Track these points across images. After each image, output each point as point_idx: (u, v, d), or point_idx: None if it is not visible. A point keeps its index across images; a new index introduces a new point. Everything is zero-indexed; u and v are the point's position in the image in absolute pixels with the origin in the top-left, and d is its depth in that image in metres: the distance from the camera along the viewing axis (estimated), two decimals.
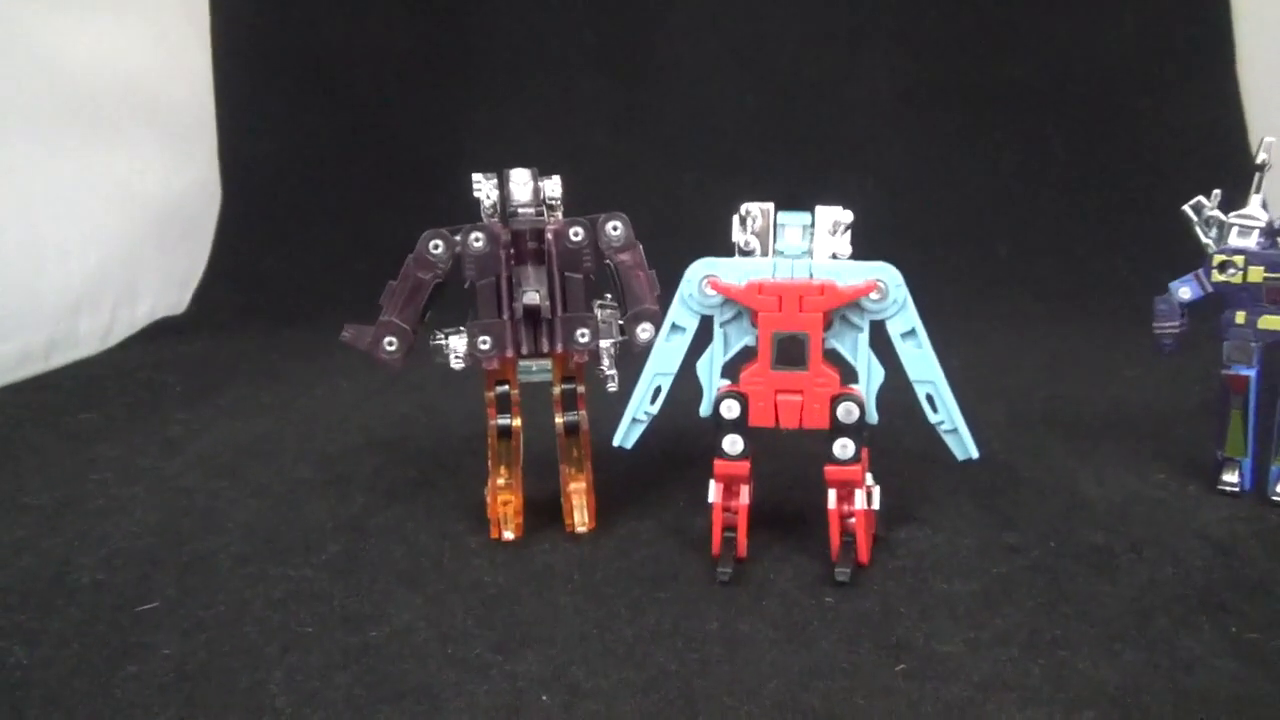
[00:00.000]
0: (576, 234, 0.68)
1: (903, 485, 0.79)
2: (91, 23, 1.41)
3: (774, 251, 0.66)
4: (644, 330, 0.70)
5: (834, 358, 0.67)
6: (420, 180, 1.60)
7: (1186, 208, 0.76)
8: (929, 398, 0.67)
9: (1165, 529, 0.72)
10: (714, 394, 0.67)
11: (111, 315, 1.42)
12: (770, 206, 0.66)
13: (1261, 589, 0.64)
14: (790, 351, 0.65)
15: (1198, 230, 0.76)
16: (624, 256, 0.69)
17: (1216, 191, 0.75)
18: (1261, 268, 0.73)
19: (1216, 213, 0.75)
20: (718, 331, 0.68)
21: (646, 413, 0.70)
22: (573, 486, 0.73)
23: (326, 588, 0.67)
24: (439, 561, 0.70)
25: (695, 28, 1.74)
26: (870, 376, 0.67)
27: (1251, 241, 0.74)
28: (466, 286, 0.69)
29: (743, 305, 0.66)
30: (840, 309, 0.66)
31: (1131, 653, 0.57)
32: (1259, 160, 0.74)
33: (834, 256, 0.66)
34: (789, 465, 0.79)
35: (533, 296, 0.67)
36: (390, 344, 0.70)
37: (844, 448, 0.65)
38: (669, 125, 1.72)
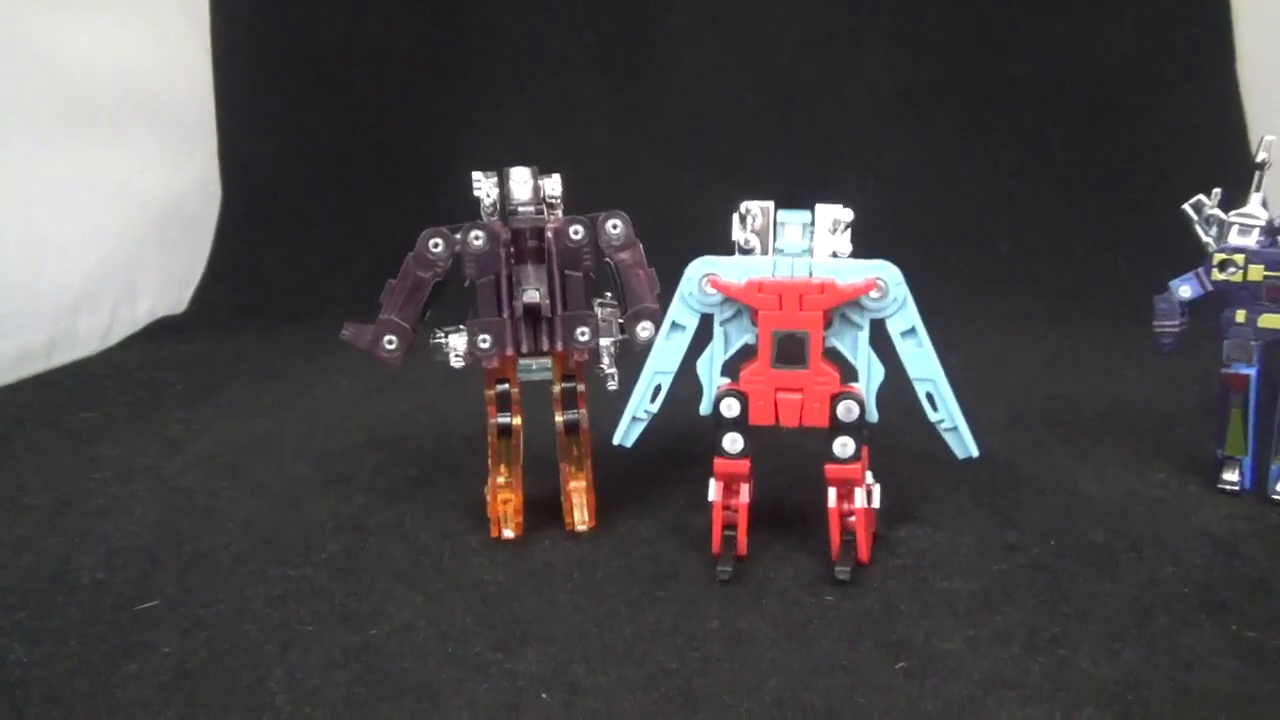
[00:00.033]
0: (576, 232, 0.68)
1: (903, 484, 0.79)
2: (91, 23, 1.41)
3: (774, 250, 0.66)
4: (644, 329, 0.70)
5: (834, 356, 0.67)
6: (420, 180, 1.60)
7: (1186, 206, 0.76)
8: (929, 396, 0.67)
9: (1165, 527, 0.72)
10: (714, 392, 0.67)
11: (111, 314, 1.42)
12: (770, 205, 0.66)
13: (1262, 587, 0.64)
14: (790, 350, 0.65)
15: (1198, 229, 0.76)
16: (624, 255, 0.69)
17: (1217, 190, 0.75)
18: (1261, 266, 0.73)
19: (1216, 211, 0.75)
20: (718, 330, 0.68)
21: (646, 411, 0.70)
22: (573, 485, 0.73)
23: (326, 586, 0.67)
24: (439, 560, 0.70)
25: (695, 27, 1.74)
26: (870, 375, 0.67)
27: (1251, 240, 0.74)
28: (466, 285, 0.69)
29: (743, 303, 0.66)
30: (840, 307, 0.66)
31: (1131, 651, 0.57)
32: (1259, 159, 0.74)
33: (834, 255, 0.66)
34: (789, 464, 0.78)
35: (533, 295, 0.67)
36: (390, 342, 0.70)
37: (844, 446, 0.65)
38: (669, 125, 1.72)
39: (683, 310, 0.68)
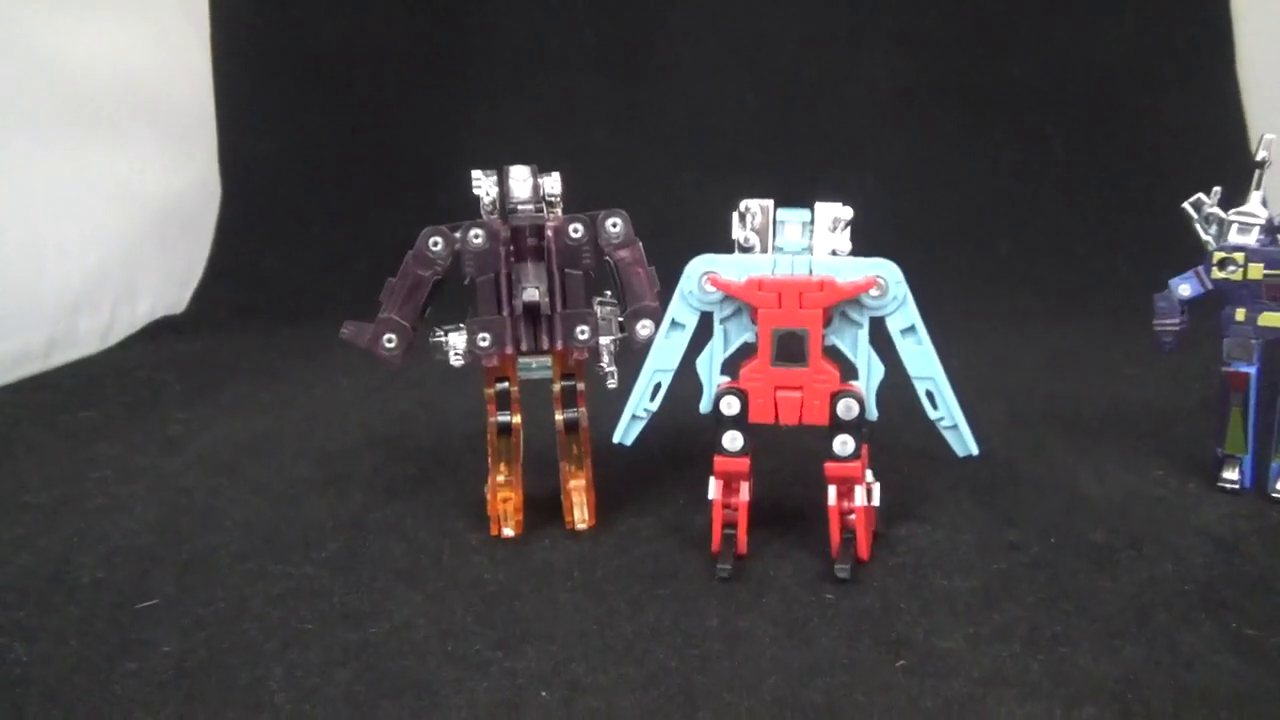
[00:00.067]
0: (576, 230, 0.68)
1: (903, 482, 0.79)
2: (91, 23, 1.41)
3: (774, 248, 0.66)
4: (644, 327, 0.70)
5: (834, 354, 0.67)
6: (420, 180, 1.60)
7: (1186, 205, 0.76)
8: (929, 394, 0.67)
9: (1165, 526, 0.72)
10: (714, 391, 0.67)
11: (111, 314, 1.42)
12: (770, 203, 0.66)
13: (1262, 585, 0.64)
14: (790, 348, 0.65)
15: (1197, 227, 0.76)
16: (623, 253, 0.69)
17: (1216, 189, 0.75)
18: (1261, 265, 0.73)
19: (1216, 210, 0.75)
20: (717, 328, 0.68)
21: (646, 409, 0.70)
22: (572, 484, 0.73)
23: (326, 585, 0.67)
24: (439, 559, 0.70)
25: (695, 27, 1.74)
26: (870, 373, 0.67)
27: (1251, 238, 0.74)
28: (466, 283, 0.69)
29: (742, 302, 0.66)
30: (840, 305, 0.66)
31: (1132, 649, 0.57)
32: (1259, 157, 0.74)
33: (834, 253, 0.66)
34: (789, 462, 0.78)
35: (532, 293, 0.67)
36: (390, 341, 0.70)
37: (844, 444, 0.65)
38: (669, 125, 1.72)
39: (682, 308, 0.68)
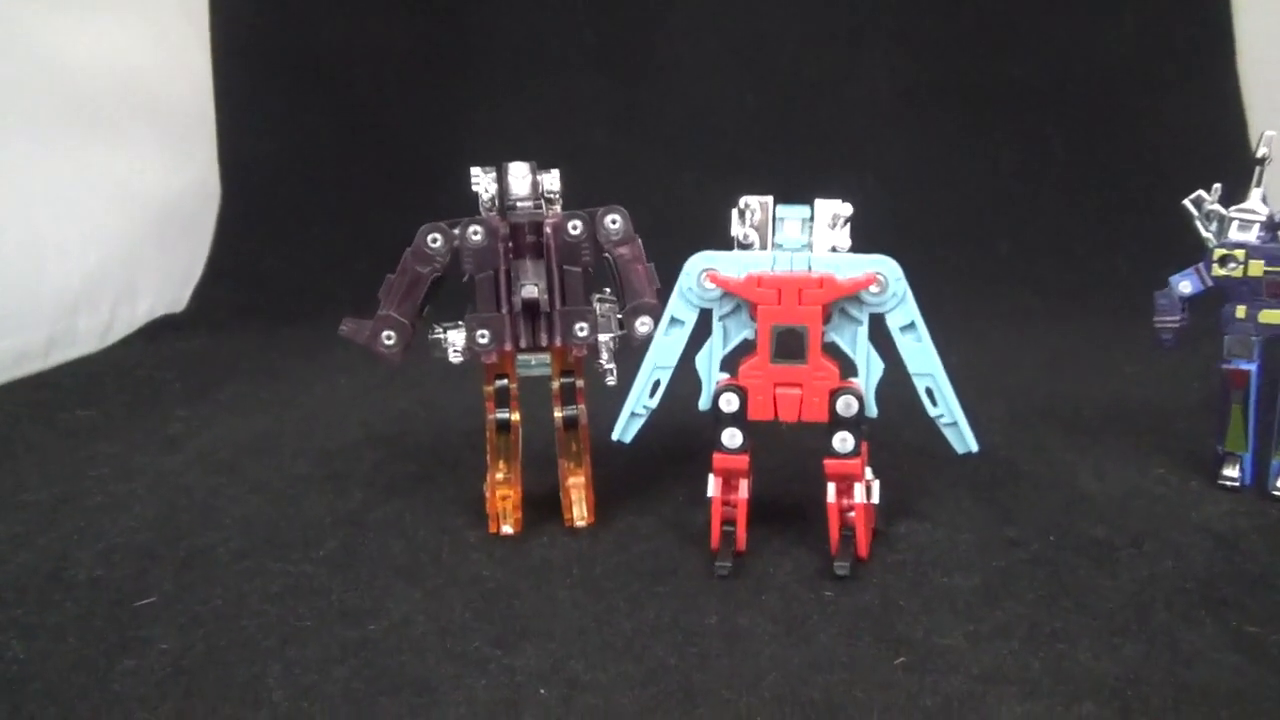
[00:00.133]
0: (575, 227, 0.68)
1: (902, 479, 0.79)
2: (91, 23, 1.41)
3: (773, 245, 0.66)
4: (643, 324, 0.70)
5: (833, 351, 0.67)
6: (420, 179, 1.60)
7: (1187, 202, 0.76)
8: (928, 391, 0.67)
9: (1166, 523, 0.72)
10: (713, 388, 0.67)
11: (111, 313, 1.42)
12: (769, 200, 0.66)
13: (1262, 583, 0.64)
14: (789, 345, 0.65)
15: (1198, 224, 0.76)
16: (623, 250, 0.69)
17: (1217, 186, 0.75)
18: (1262, 262, 0.73)
19: (1217, 207, 0.75)
20: (717, 325, 0.68)
21: (645, 407, 0.70)
22: (571, 481, 0.73)
23: (325, 582, 0.67)
24: (438, 556, 0.70)
25: (695, 27, 1.74)
26: (869, 370, 0.67)
27: (1252, 236, 0.74)
28: (465, 280, 0.69)
29: (742, 298, 0.66)
30: (839, 302, 0.66)
31: (1132, 646, 0.57)
32: (1259, 154, 0.74)
33: (833, 250, 0.66)
34: (788, 459, 0.78)
35: (531, 290, 0.67)
36: (389, 338, 0.70)
37: (843, 441, 0.65)
38: (669, 124, 1.72)
39: (682, 305, 0.68)
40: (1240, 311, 0.74)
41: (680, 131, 1.71)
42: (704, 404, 0.68)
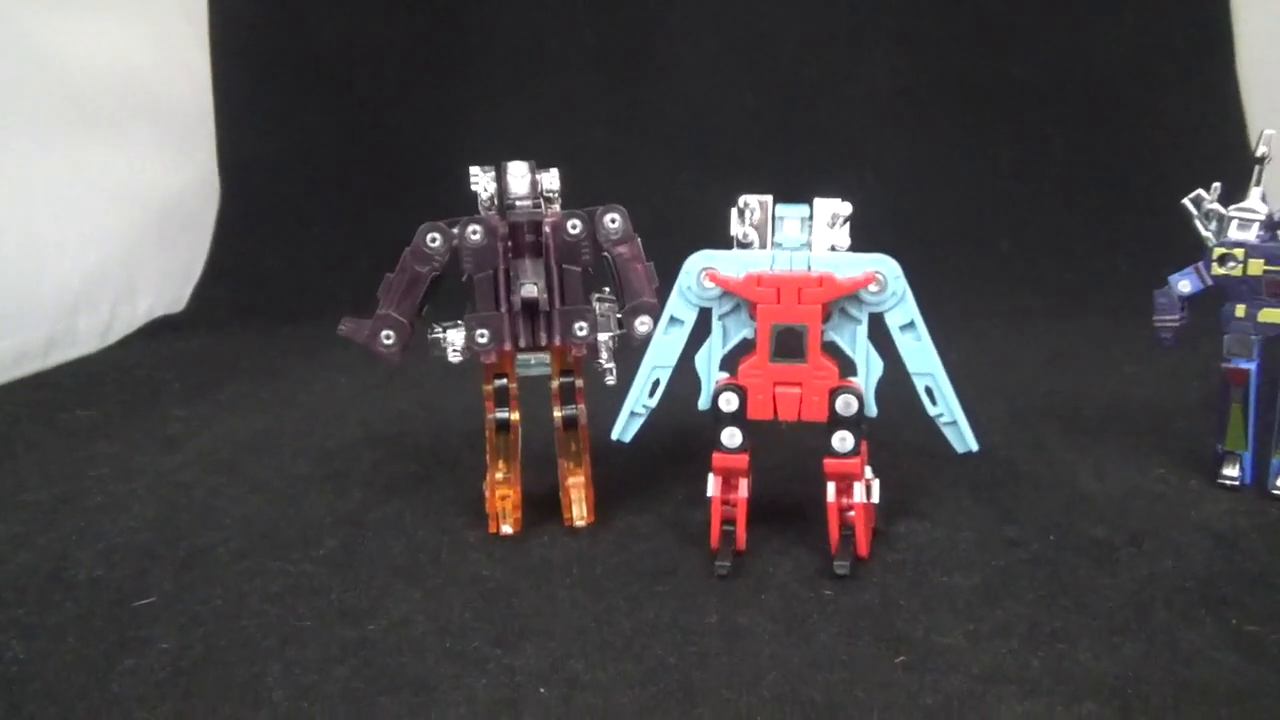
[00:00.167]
0: (574, 226, 0.68)
1: (902, 478, 0.79)
2: (91, 22, 1.41)
3: (772, 244, 0.66)
4: (642, 323, 0.70)
5: (833, 350, 0.67)
6: (420, 179, 1.60)
7: (1186, 201, 0.76)
8: (928, 390, 0.67)
9: (1165, 522, 0.72)
10: (712, 387, 0.67)
11: (111, 313, 1.42)
12: (769, 199, 0.66)
13: (1262, 582, 0.64)
14: (789, 344, 0.65)
15: (1197, 223, 0.76)
16: (622, 249, 0.69)
17: (1216, 185, 0.75)
18: (1261, 261, 0.73)
19: (1216, 206, 0.75)
20: (716, 324, 0.68)
21: (645, 406, 0.69)
22: (571, 480, 0.73)
23: (325, 582, 0.66)
24: (437, 556, 0.70)
25: (695, 27, 1.74)
26: (869, 369, 0.67)
27: (1251, 234, 0.74)
28: (464, 279, 0.69)
29: (741, 297, 0.66)
30: (839, 301, 0.66)
31: (1132, 645, 0.57)
32: (1258, 153, 0.74)
33: (833, 249, 0.66)
34: (788, 458, 0.78)
35: (530, 289, 0.67)
36: (388, 337, 0.70)
37: (843, 440, 0.65)
38: (669, 124, 1.72)
39: (681, 304, 0.68)
40: (1240, 310, 0.74)
41: (680, 131, 1.71)
42: (703, 403, 0.68)
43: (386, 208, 1.56)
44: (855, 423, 0.65)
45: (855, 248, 0.66)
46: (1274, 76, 1.59)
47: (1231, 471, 0.77)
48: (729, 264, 0.66)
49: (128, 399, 1.12)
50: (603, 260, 0.70)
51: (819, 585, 0.64)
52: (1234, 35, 1.65)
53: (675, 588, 0.65)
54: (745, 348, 0.67)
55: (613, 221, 0.69)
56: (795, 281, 0.64)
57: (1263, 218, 0.73)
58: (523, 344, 0.70)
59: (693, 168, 1.66)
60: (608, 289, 0.72)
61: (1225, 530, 0.71)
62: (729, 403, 0.66)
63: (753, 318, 0.66)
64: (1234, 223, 0.74)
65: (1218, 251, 0.74)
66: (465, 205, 0.69)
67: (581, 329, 0.69)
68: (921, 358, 0.67)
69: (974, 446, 0.68)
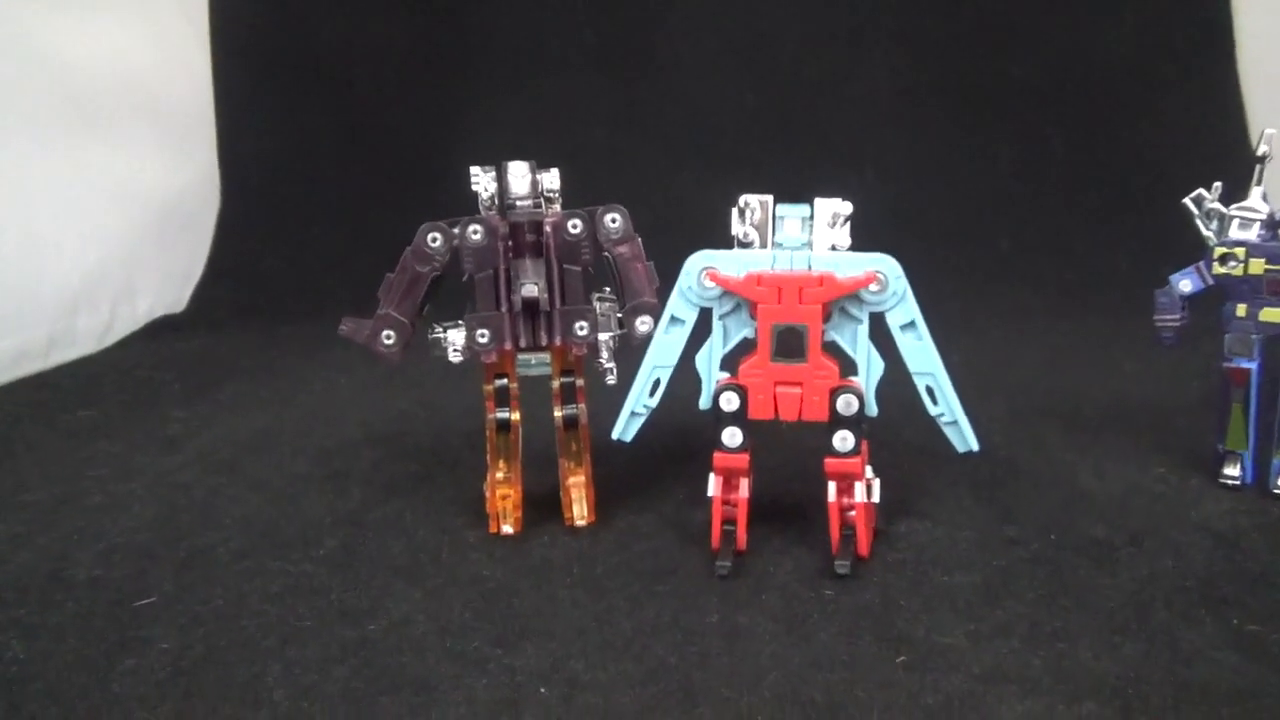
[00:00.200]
0: (575, 226, 0.68)
1: (903, 478, 0.79)
2: (91, 22, 1.41)
3: (773, 243, 0.66)
4: (643, 323, 0.70)
5: (833, 350, 0.67)
6: (420, 179, 1.60)
7: (1187, 200, 0.76)
8: (929, 390, 0.67)
9: (1166, 522, 0.72)
10: (713, 387, 0.67)
11: (111, 313, 1.42)
12: (769, 199, 0.66)
13: (1263, 581, 0.64)
14: (789, 343, 0.65)
15: (1198, 223, 0.76)
16: (622, 249, 0.69)
17: (1217, 184, 0.75)
18: (1262, 260, 0.73)
19: (1217, 205, 0.75)
20: (717, 324, 0.68)
21: (645, 406, 0.69)
22: (572, 480, 0.73)
23: (325, 582, 0.66)
24: (437, 556, 0.70)
25: (695, 26, 1.74)
26: (870, 369, 0.67)
27: (1252, 234, 0.74)
28: (465, 279, 0.69)
29: (742, 297, 0.66)
30: (839, 301, 0.66)
31: (1132, 645, 0.57)
32: (1259, 152, 0.74)
33: (833, 248, 0.66)
34: (788, 458, 0.78)
35: (531, 289, 0.67)
36: (388, 337, 0.70)
37: (843, 440, 0.65)
38: (669, 124, 1.72)
39: (681, 304, 0.68)
40: (1241, 310, 0.74)
41: (680, 131, 1.71)
42: (704, 403, 0.68)
43: (386, 208, 1.56)
44: (856, 422, 0.65)
45: (856, 247, 0.66)
46: (1275, 76, 1.59)
47: (1232, 471, 0.77)
48: (729, 264, 0.66)
49: (128, 399, 1.12)
50: (603, 260, 0.70)
51: (819, 585, 0.64)
52: (1234, 35, 1.65)
53: (676, 587, 0.65)
54: (746, 347, 0.67)
55: (613, 221, 0.69)
56: (796, 281, 0.64)
57: (1264, 217, 0.73)
58: (523, 344, 0.70)
59: (693, 168, 1.66)
60: (608, 289, 0.72)
61: (1226, 530, 0.70)
62: (730, 402, 0.66)
63: (753, 317, 0.66)
64: (1235, 222, 0.74)
65: (1219, 251, 0.74)
66: (465, 205, 0.69)
67: (582, 329, 0.69)
68: (922, 357, 0.67)
69: (974, 446, 0.68)
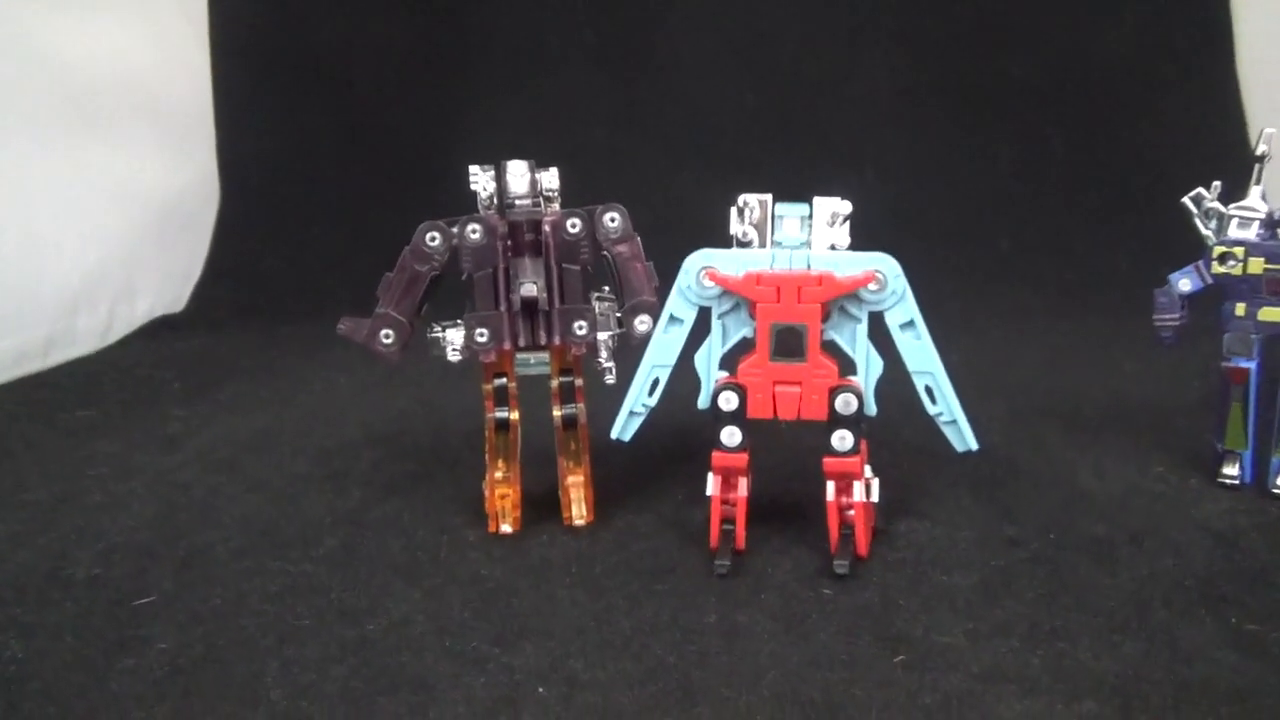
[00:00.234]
0: (574, 225, 0.68)
1: (902, 478, 0.79)
2: (91, 22, 1.41)
3: (772, 243, 0.66)
4: (642, 322, 0.70)
5: (832, 349, 0.67)
6: (419, 179, 1.59)
7: (1186, 200, 0.76)
8: (928, 389, 0.67)
9: (1165, 521, 0.72)
10: (712, 386, 0.67)
11: (110, 313, 1.42)
12: (768, 198, 0.66)
13: (1262, 580, 0.64)
14: (788, 343, 0.65)
15: (1197, 222, 0.76)
16: (622, 248, 0.69)
17: (1216, 183, 0.75)
18: (1261, 259, 0.73)
19: (1216, 204, 0.75)
20: (716, 323, 0.68)
21: (644, 405, 0.69)
22: (571, 479, 0.73)
23: (324, 581, 0.66)
24: (436, 555, 0.70)
25: (695, 26, 1.74)
26: (869, 368, 0.67)
27: (1251, 233, 0.74)
28: (464, 279, 0.69)
29: (741, 296, 0.66)
30: (838, 300, 0.66)
31: (1132, 644, 0.57)
32: (1258, 151, 0.74)
33: (832, 247, 0.66)
34: (787, 457, 0.78)
35: (530, 288, 0.67)
36: (387, 336, 0.70)
37: (842, 439, 0.65)
38: (669, 123, 1.72)
39: (680, 303, 0.68)
40: (1240, 309, 0.74)
41: (680, 130, 1.71)
42: (703, 402, 0.68)
43: (386, 208, 1.56)
44: (855, 421, 0.65)
45: (855, 246, 0.66)
46: (1274, 76, 1.59)
47: (1231, 470, 0.77)
48: (729, 263, 0.66)
49: (127, 399, 1.12)
50: (602, 259, 0.70)
51: (818, 584, 0.64)
52: (1234, 35, 1.65)
53: (674, 587, 0.65)
54: (745, 346, 0.67)
55: (612, 220, 0.69)
56: (795, 280, 0.64)
57: (1263, 216, 0.73)
58: (522, 343, 0.70)
59: (693, 167, 1.66)
60: (607, 288, 0.72)
61: (1225, 529, 0.70)
62: (728, 402, 0.66)
63: (752, 316, 0.66)
64: (1234, 221, 0.74)
65: (1218, 250, 0.74)
66: (465, 205, 0.69)
67: (581, 328, 0.69)
68: (921, 356, 0.67)
69: (974, 445, 0.68)
